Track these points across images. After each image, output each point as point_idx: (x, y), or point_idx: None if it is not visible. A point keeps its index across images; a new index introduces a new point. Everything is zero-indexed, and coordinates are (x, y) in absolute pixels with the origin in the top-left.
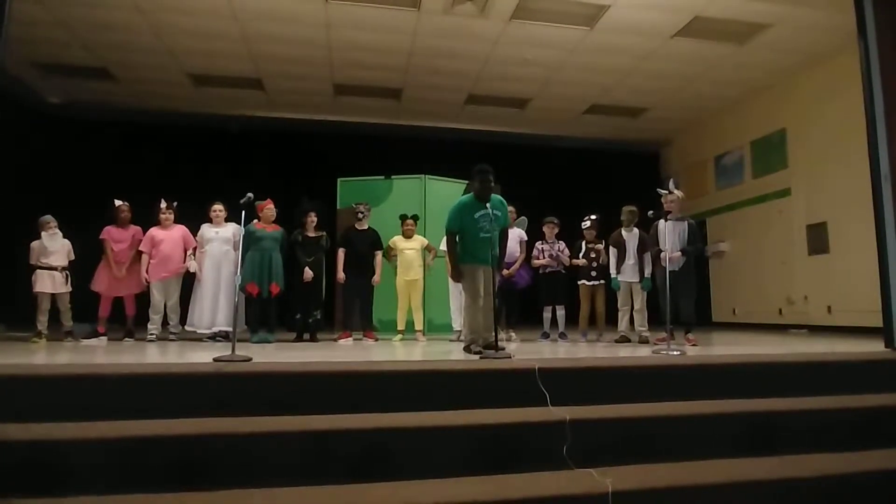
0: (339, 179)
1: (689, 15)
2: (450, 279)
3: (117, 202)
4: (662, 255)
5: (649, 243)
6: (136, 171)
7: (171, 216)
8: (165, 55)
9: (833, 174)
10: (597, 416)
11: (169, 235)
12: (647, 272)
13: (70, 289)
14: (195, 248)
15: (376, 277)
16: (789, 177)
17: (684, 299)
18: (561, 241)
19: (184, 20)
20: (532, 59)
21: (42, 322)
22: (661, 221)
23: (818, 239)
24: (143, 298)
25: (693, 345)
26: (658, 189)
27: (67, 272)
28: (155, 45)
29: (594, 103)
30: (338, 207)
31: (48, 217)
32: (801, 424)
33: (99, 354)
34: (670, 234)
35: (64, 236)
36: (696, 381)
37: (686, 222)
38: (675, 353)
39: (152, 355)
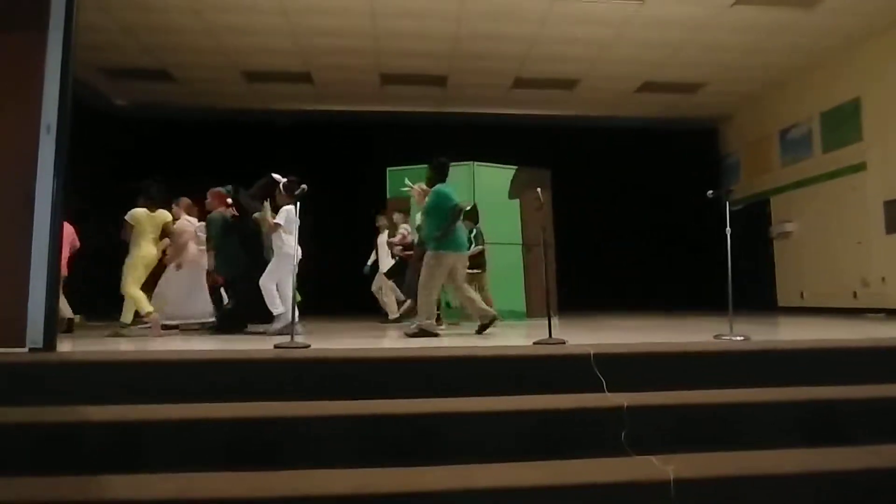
0: (388, 169)
1: None
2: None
3: None
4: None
5: None
6: (195, 166)
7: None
8: (219, 54)
9: None
10: (656, 403)
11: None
12: None
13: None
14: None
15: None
16: (864, 149)
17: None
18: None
19: (235, 19)
20: (582, 36)
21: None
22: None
23: None
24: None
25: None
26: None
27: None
28: (209, 45)
29: (647, 80)
30: (388, 197)
31: None
32: (877, 414)
33: (168, 342)
34: None
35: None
36: (760, 367)
37: None
38: (738, 338)
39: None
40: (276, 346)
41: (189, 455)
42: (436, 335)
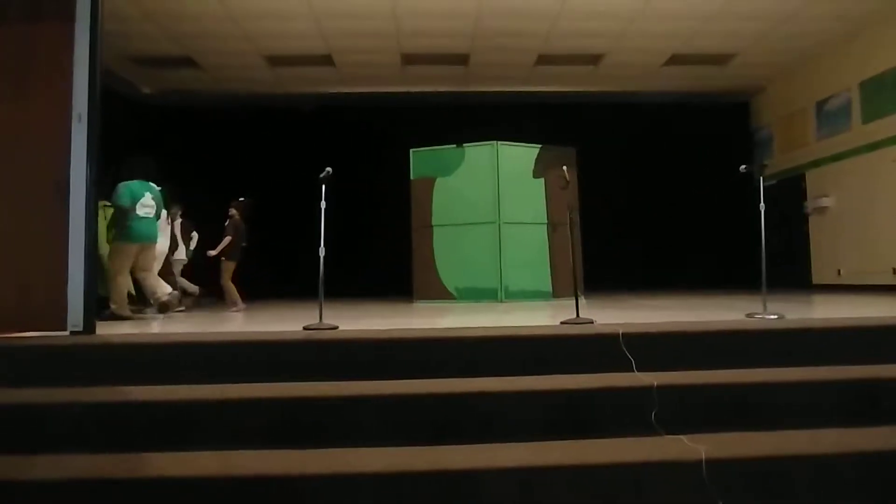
0: (411, 150)
1: None
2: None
3: None
4: None
5: None
6: (220, 152)
7: None
8: (241, 39)
9: None
10: (687, 382)
11: None
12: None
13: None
14: None
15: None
16: None
17: None
18: None
19: (257, 4)
20: (606, 10)
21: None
22: None
23: None
24: None
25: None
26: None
27: None
28: (232, 30)
29: (675, 53)
30: (411, 178)
31: None
32: None
33: (199, 324)
34: None
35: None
36: (795, 346)
37: None
38: (771, 316)
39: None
40: (305, 328)
41: (229, 434)
42: (128, 318)
